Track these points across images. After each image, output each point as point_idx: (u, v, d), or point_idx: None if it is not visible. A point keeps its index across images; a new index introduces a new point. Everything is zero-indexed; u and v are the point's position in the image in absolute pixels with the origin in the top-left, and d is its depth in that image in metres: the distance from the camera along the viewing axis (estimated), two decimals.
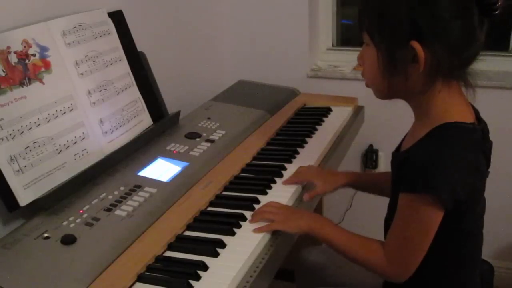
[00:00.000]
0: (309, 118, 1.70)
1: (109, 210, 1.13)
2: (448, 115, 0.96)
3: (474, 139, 0.96)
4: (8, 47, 1.14)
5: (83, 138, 1.28)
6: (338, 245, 1.07)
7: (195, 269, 0.97)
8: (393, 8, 0.93)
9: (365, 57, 1.01)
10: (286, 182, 1.28)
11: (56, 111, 1.23)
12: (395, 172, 1.06)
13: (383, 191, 1.29)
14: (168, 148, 1.41)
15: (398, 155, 1.07)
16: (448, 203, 0.93)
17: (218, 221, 1.14)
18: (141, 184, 1.23)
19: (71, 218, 1.10)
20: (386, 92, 1.02)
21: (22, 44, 1.17)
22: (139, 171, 1.29)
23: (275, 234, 1.10)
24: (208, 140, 1.47)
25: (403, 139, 1.11)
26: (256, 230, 1.09)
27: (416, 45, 0.91)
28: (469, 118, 0.97)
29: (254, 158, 1.44)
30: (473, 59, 0.96)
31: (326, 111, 1.75)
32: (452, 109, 0.97)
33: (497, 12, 0.91)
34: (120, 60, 1.44)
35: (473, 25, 0.92)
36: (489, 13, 0.92)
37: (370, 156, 2.20)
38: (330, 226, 1.09)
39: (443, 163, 0.92)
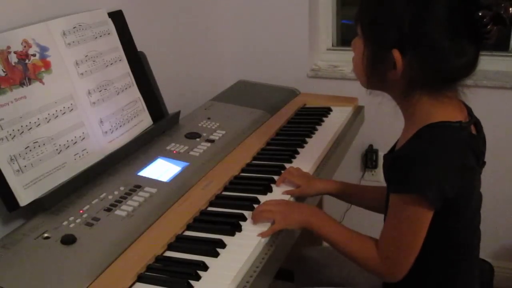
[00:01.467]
0: (309, 118, 1.70)
1: (109, 210, 1.13)
2: (432, 115, 0.97)
3: (460, 137, 0.96)
4: (8, 47, 1.14)
5: (83, 138, 1.28)
6: (333, 239, 1.07)
7: (195, 269, 0.97)
8: (386, 12, 0.95)
9: (355, 46, 1.04)
10: (277, 184, 1.29)
11: (56, 111, 1.23)
12: (385, 174, 1.07)
13: (369, 206, 1.30)
14: (168, 148, 1.41)
15: (388, 157, 1.07)
16: (435, 202, 0.93)
17: (218, 221, 1.13)
18: (141, 184, 1.23)
19: (71, 218, 1.10)
20: (366, 84, 1.04)
21: (22, 44, 1.17)
22: (139, 171, 1.29)
23: (275, 234, 1.10)
24: (208, 140, 1.47)
25: (396, 143, 1.11)
26: (260, 235, 1.08)
27: (396, 53, 0.93)
28: (456, 117, 0.98)
29: (254, 158, 1.44)
30: (457, 79, 0.97)
31: (326, 111, 1.75)
32: (437, 109, 0.98)
33: (488, 40, 0.92)
34: (120, 60, 1.44)
35: (461, 47, 0.92)
36: (480, 40, 0.92)
37: (370, 156, 2.20)
38: (328, 221, 1.10)
39: (429, 163, 0.93)
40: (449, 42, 0.92)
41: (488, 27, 0.90)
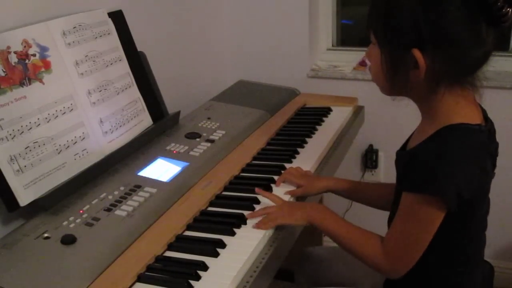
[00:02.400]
0: (309, 118, 1.70)
1: (109, 210, 1.13)
2: (453, 116, 0.96)
3: (480, 140, 0.96)
4: (8, 47, 1.14)
5: (83, 138, 1.28)
6: (337, 235, 1.07)
7: (195, 269, 0.97)
8: (398, 14, 0.93)
9: (371, 55, 1.02)
10: (277, 184, 1.29)
11: (56, 111, 1.23)
12: (399, 171, 1.06)
13: (369, 202, 1.30)
14: (168, 148, 1.41)
15: (403, 154, 1.07)
16: (452, 203, 0.93)
17: (218, 221, 1.13)
18: (141, 184, 1.23)
19: (71, 218, 1.10)
20: (389, 91, 1.03)
21: (22, 44, 1.17)
22: (139, 171, 1.29)
23: (275, 233, 1.10)
24: (208, 140, 1.47)
25: (408, 139, 1.11)
26: (262, 227, 1.08)
27: (417, 53, 0.92)
28: (475, 119, 0.97)
29: (254, 158, 1.44)
30: (479, 66, 0.96)
31: (326, 111, 1.75)
32: (458, 110, 0.97)
33: (505, 23, 0.91)
34: (120, 60, 1.44)
35: (480, 36, 0.91)
36: (497, 24, 0.91)
37: (370, 156, 2.20)
38: (331, 217, 1.10)
39: (449, 164, 0.92)
40: (467, 32, 0.91)
41: (503, 10, 0.89)
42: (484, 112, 1.03)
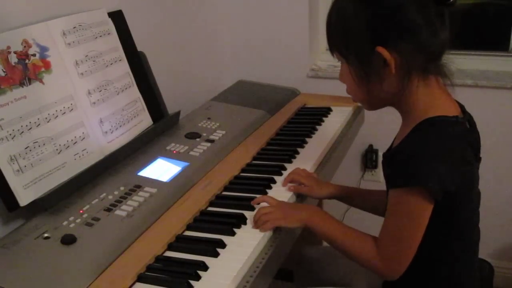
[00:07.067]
0: (309, 118, 1.70)
1: (109, 210, 1.13)
2: (429, 110, 0.98)
3: (457, 131, 0.98)
4: (8, 47, 1.14)
5: (83, 138, 1.28)
6: (333, 238, 1.08)
7: (195, 269, 0.97)
8: (352, 21, 0.96)
9: (344, 75, 1.04)
10: (283, 184, 1.29)
11: (56, 111, 1.23)
12: (385, 171, 1.07)
13: (373, 209, 1.30)
14: (168, 148, 1.41)
15: (387, 155, 1.08)
16: (437, 193, 0.93)
17: (218, 221, 1.13)
18: (141, 184, 1.23)
19: (71, 218, 1.10)
20: (371, 102, 1.05)
21: (22, 44, 1.17)
22: (139, 171, 1.29)
23: (275, 234, 1.10)
24: (208, 140, 1.47)
25: (393, 141, 1.12)
26: (260, 228, 1.08)
27: (382, 50, 0.94)
28: (452, 111, 0.99)
29: (254, 158, 1.44)
30: (442, 51, 0.98)
31: (326, 111, 1.75)
32: (433, 103, 0.99)
33: (451, 0, 0.93)
34: (120, 60, 1.44)
35: (431, 18, 0.93)
36: (444, 2, 0.93)
37: (370, 156, 2.21)
38: (327, 219, 1.10)
39: (429, 155, 0.93)
40: (421, 17, 0.93)
41: None
42: (462, 107, 1.04)
